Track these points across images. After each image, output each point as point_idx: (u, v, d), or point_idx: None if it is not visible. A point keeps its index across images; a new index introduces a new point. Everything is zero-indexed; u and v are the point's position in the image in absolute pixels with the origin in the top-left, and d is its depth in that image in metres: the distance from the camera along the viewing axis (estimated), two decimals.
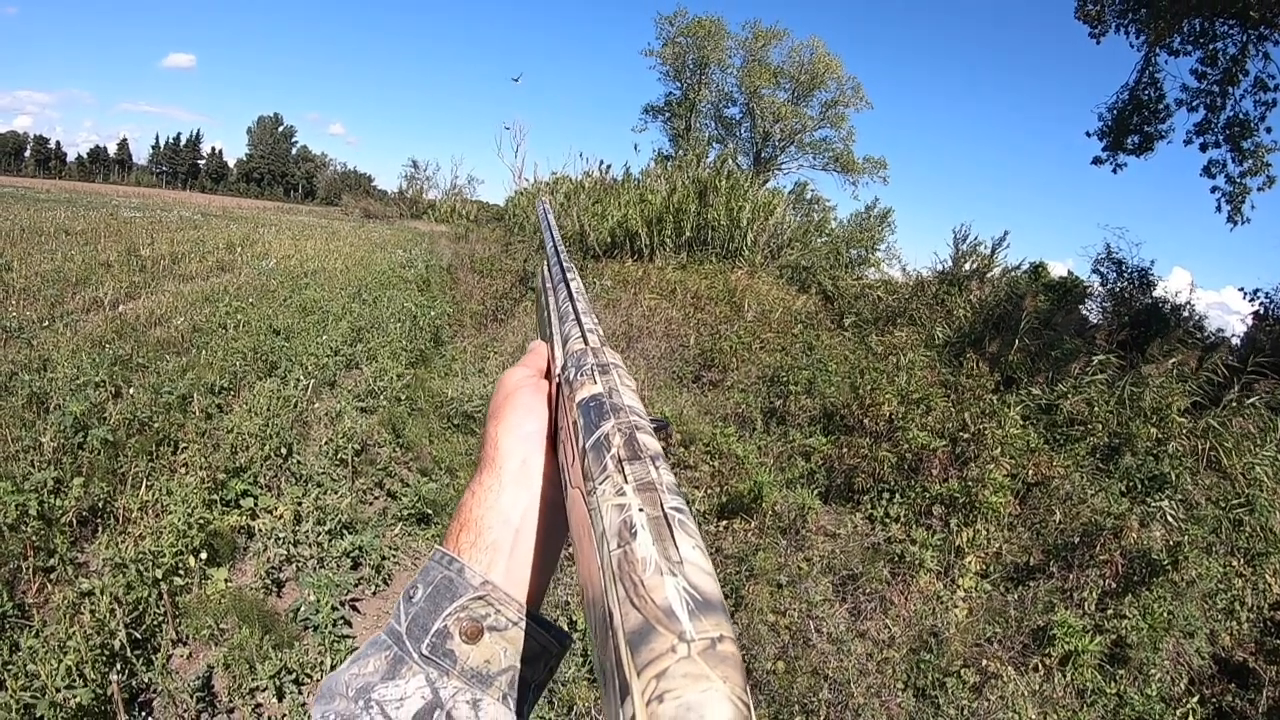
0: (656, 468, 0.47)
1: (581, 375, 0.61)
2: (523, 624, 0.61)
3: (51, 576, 4.29)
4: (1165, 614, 5.14)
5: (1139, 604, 5.24)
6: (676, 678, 0.34)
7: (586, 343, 0.68)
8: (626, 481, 0.46)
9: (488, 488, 0.66)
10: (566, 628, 3.87)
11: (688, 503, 0.45)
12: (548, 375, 0.78)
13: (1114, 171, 17.52)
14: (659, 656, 0.35)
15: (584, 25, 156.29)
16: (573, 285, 0.86)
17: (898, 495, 6.53)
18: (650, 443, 0.51)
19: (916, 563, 5.50)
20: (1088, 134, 17.67)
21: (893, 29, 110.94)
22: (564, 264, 0.94)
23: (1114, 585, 5.59)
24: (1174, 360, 9.29)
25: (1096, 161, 17.70)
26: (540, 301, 1.01)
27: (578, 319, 0.75)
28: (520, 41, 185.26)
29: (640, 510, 0.43)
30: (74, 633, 3.61)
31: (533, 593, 0.64)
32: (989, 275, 14.63)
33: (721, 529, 5.90)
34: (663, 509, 0.43)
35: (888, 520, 6.27)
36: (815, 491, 6.46)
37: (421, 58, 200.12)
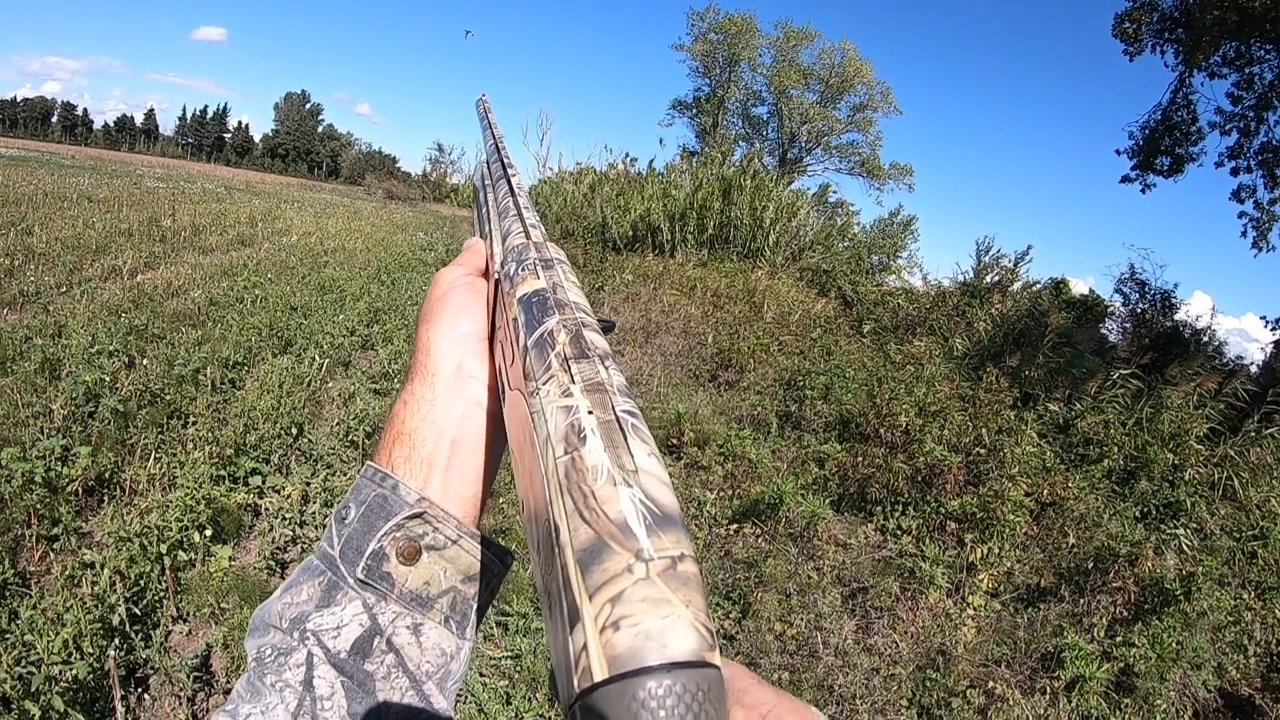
0: (606, 367, 0.44)
1: (523, 270, 0.57)
2: (462, 541, 0.58)
3: (55, 546, 4.28)
4: (1174, 644, 5.07)
5: (1149, 633, 5.17)
6: (634, 602, 0.31)
7: (529, 237, 0.63)
8: (573, 382, 0.42)
9: (420, 397, 0.62)
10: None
11: (640, 408, 0.41)
12: (485, 275, 0.72)
13: (1142, 191, 17.52)
14: (614, 578, 0.32)
15: (616, 17, 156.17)
16: (514, 180, 0.80)
17: (911, 508, 6.47)
18: (598, 341, 0.47)
19: (927, 579, 5.44)
20: (1117, 152, 17.70)
21: (923, 36, 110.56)
22: (505, 160, 0.88)
23: (1125, 612, 5.53)
24: (1194, 385, 9.21)
25: (1125, 180, 17.70)
26: (478, 199, 0.94)
27: (519, 214, 0.70)
28: (551, 31, 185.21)
29: (589, 413, 0.39)
30: (73, 605, 3.58)
31: (472, 508, 0.61)
32: (1011, 289, 14.54)
33: (732, 533, 5.86)
34: (614, 411, 0.39)
35: (900, 533, 6.21)
36: (827, 500, 6.41)
37: (451, 43, 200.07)
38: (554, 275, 0.55)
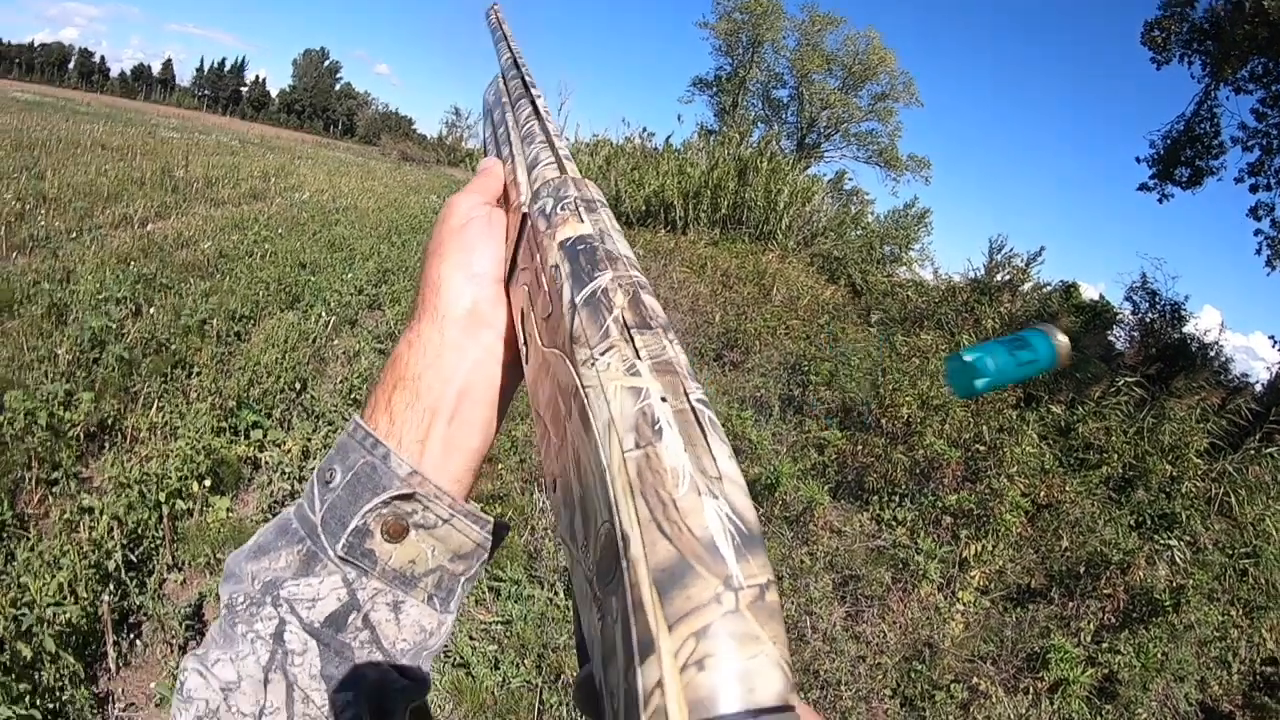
0: (671, 342, 0.38)
1: (563, 208, 0.50)
2: (454, 520, 0.54)
3: (54, 490, 4.30)
4: (1160, 655, 5.09)
5: (1135, 641, 5.20)
6: (721, 637, 0.27)
7: (564, 170, 0.56)
8: (639, 358, 0.36)
9: (427, 339, 0.57)
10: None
11: (708, 393, 0.36)
12: (503, 204, 0.65)
13: (1160, 201, 17.45)
14: (699, 608, 0.27)
15: None
16: (539, 102, 0.70)
17: (908, 500, 6.50)
18: (659, 310, 0.41)
19: (920, 571, 5.47)
20: (1138, 159, 17.57)
21: (947, 30, 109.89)
22: (526, 78, 0.77)
23: (1113, 619, 5.56)
24: (1197, 399, 9.19)
25: (1143, 188, 17.61)
26: (493, 118, 0.81)
27: (549, 141, 0.62)
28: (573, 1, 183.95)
29: (663, 400, 0.34)
30: (70, 549, 3.61)
31: (468, 477, 0.57)
32: (1021, 288, 14.49)
33: None
34: (689, 400, 0.34)
35: (895, 524, 6.24)
36: (825, 486, 6.43)
37: (473, 5, 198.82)
38: (600, 221, 0.49)
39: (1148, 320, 14.07)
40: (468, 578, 0.57)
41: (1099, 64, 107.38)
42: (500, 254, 0.59)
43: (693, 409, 0.34)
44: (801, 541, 5.64)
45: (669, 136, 27.27)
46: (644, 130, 25.31)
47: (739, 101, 44.48)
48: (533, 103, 0.70)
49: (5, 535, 3.80)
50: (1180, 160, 16.93)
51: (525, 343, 0.50)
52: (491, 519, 0.57)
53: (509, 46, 0.87)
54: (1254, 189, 16.57)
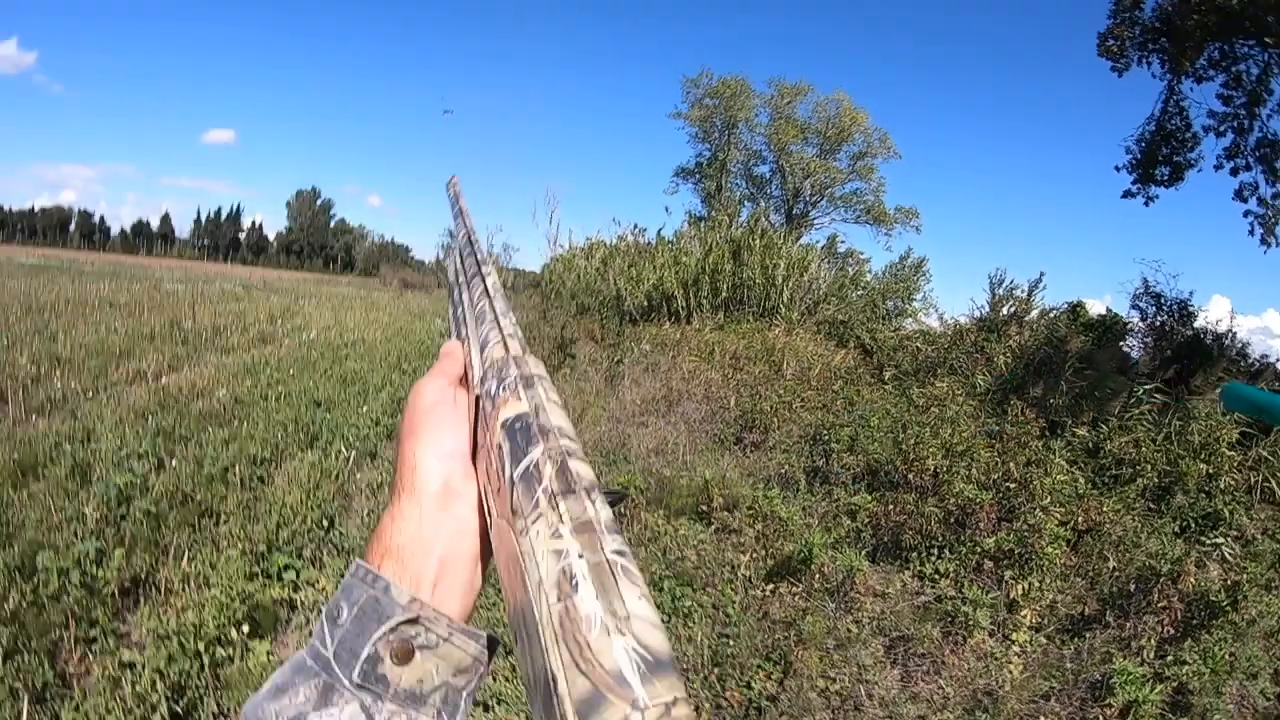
0: (593, 502, 0.45)
1: (504, 390, 0.57)
2: (454, 638, 0.59)
3: (93, 647, 4.35)
4: (1227, 656, 5.04)
5: (1199, 648, 5.14)
6: None
7: (507, 349, 0.64)
8: (562, 521, 0.43)
9: (407, 515, 0.63)
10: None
11: (627, 541, 0.43)
12: (464, 383, 0.73)
13: (1145, 204, 17.44)
14: None
15: (613, 92, 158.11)
16: (489, 280, 0.79)
17: (946, 550, 6.44)
18: (584, 471, 0.48)
19: (969, 620, 5.41)
20: (1116, 168, 17.61)
21: (913, 77, 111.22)
22: (478, 255, 0.86)
23: (1172, 631, 5.48)
24: (1219, 391, 9.16)
25: (1127, 195, 17.63)
26: (452, 298, 0.92)
27: (496, 321, 0.70)
28: (552, 112, 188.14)
29: (580, 557, 0.41)
30: (114, 706, 3.68)
31: (462, 608, 0.62)
32: (1027, 318, 14.52)
33: (769, 593, 5.85)
34: (604, 553, 0.41)
35: (937, 577, 6.18)
36: (863, 551, 6.39)
37: (456, 130, 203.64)
38: (535, 395, 0.55)
39: (1157, 324, 14.04)
40: (469, 691, 0.61)
41: (1064, 81, 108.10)
42: (465, 432, 0.66)
43: (608, 560, 0.40)
44: (845, 611, 5.60)
45: (660, 229, 27.73)
46: (635, 226, 25.66)
47: (723, 184, 45.00)
48: (484, 280, 0.79)
49: (49, 696, 3.86)
50: (1158, 160, 17.00)
51: (488, 513, 0.57)
52: (485, 633, 0.61)
53: (465, 222, 0.98)
54: (1234, 171, 16.67)
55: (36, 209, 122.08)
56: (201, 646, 4.30)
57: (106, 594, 4.79)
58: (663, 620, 0.39)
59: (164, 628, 4.36)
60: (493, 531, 0.54)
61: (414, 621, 0.57)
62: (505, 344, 0.65)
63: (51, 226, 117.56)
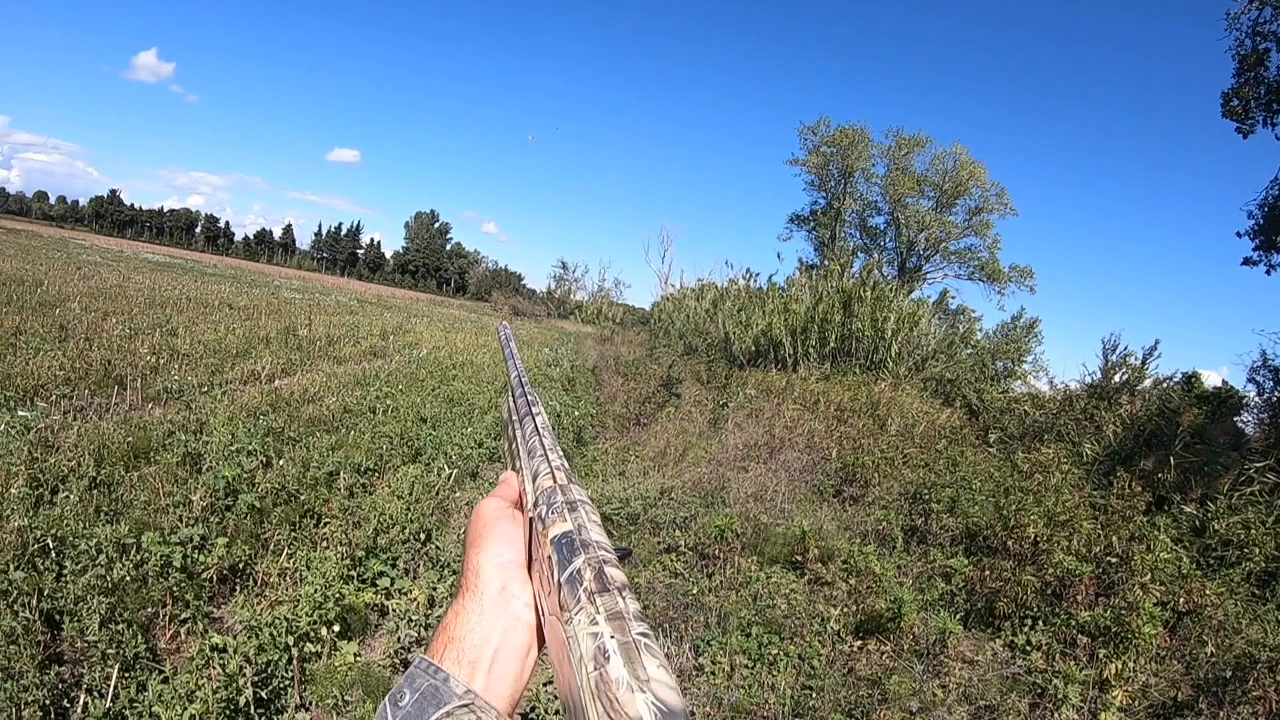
0: (624, 598, 0.54)
1: (553, 513, 0.68)
2: None
3: (186, 628, 4.65)
4: None
5: None
6: None
7: (555, 480, 0.74)
8: (599, 612, 0.53)
9: (469, 610, 0.72)
10: None
11: (651, 626, 0.53)
12: (519, 505, 0.85)
13: (1267, 273, 16.58)
14: None
15: (734, 134, 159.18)
16: (538, 419, 0.93)
17: (1041, 622, 6.40)
18: (617, 575, 0.57)
19: (1059, 696, 5.36)
20: (1238, 234, 16.89)
21: (1034, 134, 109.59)
22: (529, 396, 1.02)
23: None
24: None
25: (1248, 262, 16.84)
26: (508, 433, 1.06)
27: (545, 455, 0.82)
28: (671, 151, 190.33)
29: (611, 637, 0.50)
30: (203, 683, 3.91)
31: (509, 703, 0.69)
32: (1140, 387, 14.21)
33: (856, 649, 5.90)
34: (631, 635, 0.51)
35: (1029, 648, 6.13)
36: (955, 615, 6.40)
37: (574, 161, 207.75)
38: (579, 517, 0.66)
39: (1274, 399, 13.57)
40: None
41: (1187, 145, 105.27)
42: (520, 546, 0.76)
43: (634, 640, 0.50)
44: (933, 674, 5.61)
45: (772, 275, 27.83)
46: (747, 271, 25.82)
47: (836, 233, 44.72)
48: (534, 419, 0.93)
49: (139, 667, 4.14)
50: None
51: (540, 612, 0.68)
52: None
53: (515, 365, 1.16)
54: None
55: (165, 210, 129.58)
56: (291, 640, 4.57)
57: (205, 579, 5.13)
58: (679, 684, 0.49)
59: (257, 618, 4.60)
60: (545, 627, 0.65)
61: (468, 707, 0.65)
62: (554, 475, 0.76)
63: (179, 227, 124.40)
